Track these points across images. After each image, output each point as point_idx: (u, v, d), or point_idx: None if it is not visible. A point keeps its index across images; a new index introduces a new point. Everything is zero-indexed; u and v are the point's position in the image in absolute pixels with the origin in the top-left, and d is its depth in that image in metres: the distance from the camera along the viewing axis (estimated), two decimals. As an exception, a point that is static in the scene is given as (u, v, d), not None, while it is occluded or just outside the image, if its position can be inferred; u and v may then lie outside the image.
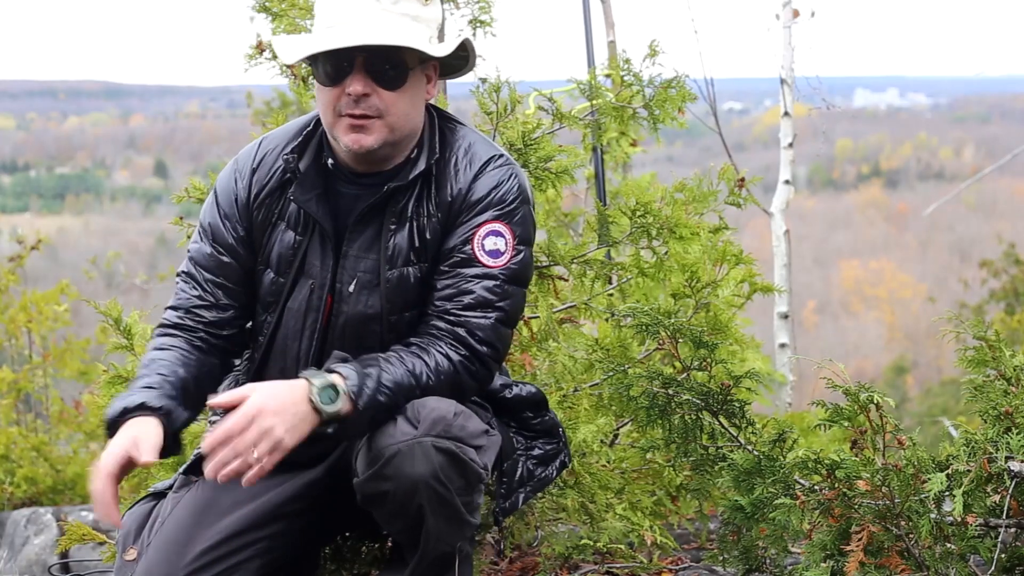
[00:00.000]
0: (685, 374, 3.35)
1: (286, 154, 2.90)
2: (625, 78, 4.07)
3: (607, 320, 3.90)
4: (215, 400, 2.62)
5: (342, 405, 2.60)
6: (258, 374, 2.93)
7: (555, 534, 3.85)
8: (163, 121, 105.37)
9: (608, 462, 3.80)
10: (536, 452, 3.10)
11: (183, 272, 2.98)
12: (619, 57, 4.15)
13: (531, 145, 3.73)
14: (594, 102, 4.09)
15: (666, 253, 3.82)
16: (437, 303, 2.82)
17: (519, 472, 3.05)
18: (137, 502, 3.00)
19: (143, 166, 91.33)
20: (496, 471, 2.99)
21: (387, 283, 2.83)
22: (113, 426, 2.66)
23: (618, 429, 4.02)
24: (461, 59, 2.96)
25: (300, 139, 2.93)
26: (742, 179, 4.02)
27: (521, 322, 3.82)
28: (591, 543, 3.73)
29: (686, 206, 3.81)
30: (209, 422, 3.11)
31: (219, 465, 2.52)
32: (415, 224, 2.84)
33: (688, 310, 3.77)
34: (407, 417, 2.67)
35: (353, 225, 2.85)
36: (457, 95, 4.59)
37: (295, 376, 2.67)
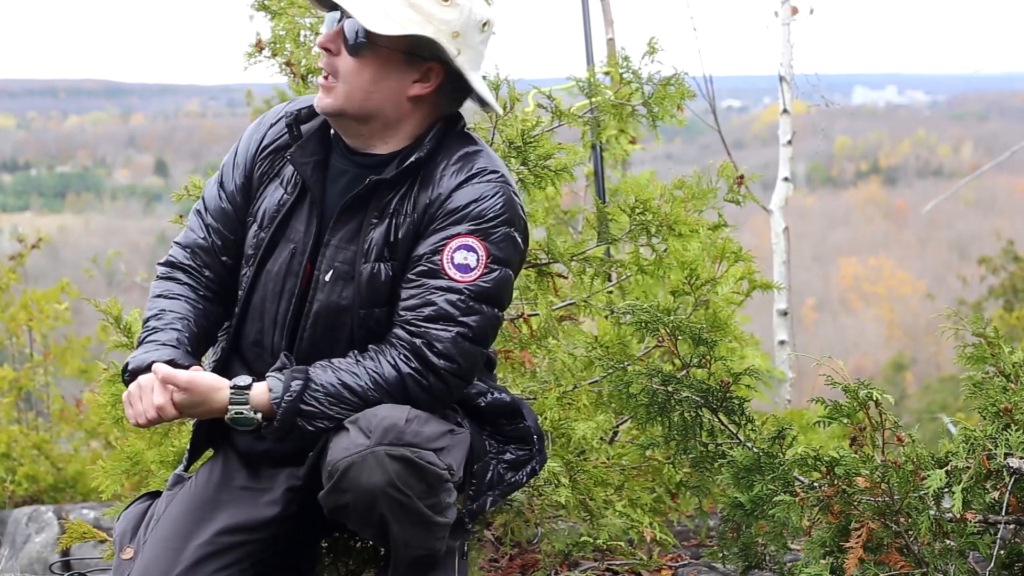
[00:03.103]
0: (684, 371, 3.36)
1: (288, 112, 2.95)
2: (624, 75, 4.07)
3: (607, 317, 3.91)
4: (165, 370, 2.71)
5: (253, 426, 2.72)
6: (236, 335, 2.97)
7: (555, 531, 3.86)
8: (163, 120, 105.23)
9: (607, 459, 3.81)
10: (507, 457, 3.04)
11: (196, 209, 3.05)
12: (618, 54, 4.15)
13: (530, 143, 3.74)
14: (593, 100, 4.10)
15: (665, 250, 3.83)
16: (401, 312, 2.79)
17: (489, 475, 3.00)
18: (132, 502, 3.02)
19: (143, 165, 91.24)
20: (467, 471, 2.95)
21: (360, 276, 2.83)
22: (134, 374, 2.77)
23: (618, 426, 4.02)
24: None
25: (311, 104, 2.95)
26: (741, 176, 4.02)
27: (521, 320, 3.83)
28: (591, 540, 3.74)
29: (685, 203, 3.81)
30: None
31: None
32: (394, 221, 2.83)
33: (687, 307, 3.78)
34: (360, 427, 2.67)
35: (338, 215, 2.86)
36: (456, 93, 4.59)
37: (272, 340, 2.88)
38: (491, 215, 2.79)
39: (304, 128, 2.93)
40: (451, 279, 2.76)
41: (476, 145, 2.91)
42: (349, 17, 2.78)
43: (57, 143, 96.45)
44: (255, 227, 2.94)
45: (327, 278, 2.86)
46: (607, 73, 4.36)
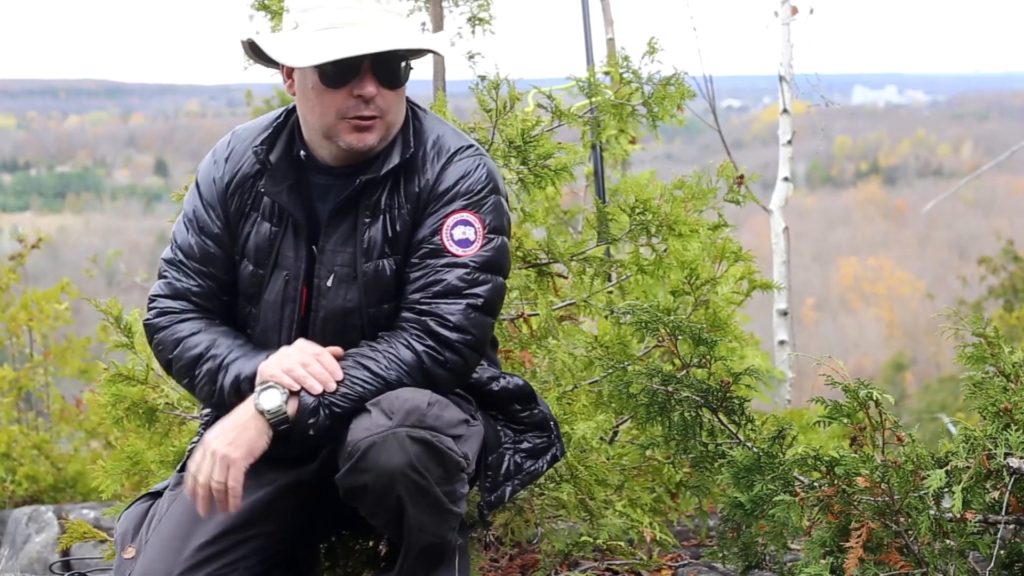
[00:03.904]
0: (684, 371, 3.36)
1: (255, 146, 2.94)
2: (624, 75, 4.07)
3: (607, 317, 3.91)
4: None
5: (290, 409, 2.70)
6: None
7: (555, 531, 3.86)
8: (163, 120, 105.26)
9: (607, 459, 3.81)
10: (525, 446, 3.08)
11: (175, 261, 2.99)
12: (618, 54, 4.15)
13: (530, 143, 3.74)
14: (593, 99, 4.10)
15: (665, 250, 3.83)
16: (409, 295, 2.83)
17: (506, 465, 3.04)
18: (133, 502, 3.01)
19: (143, 165, 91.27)
20: (481, 463, 2.98)
21: (364, 276, 2.85)
22: (240, 391, 2.79)
23: (618, 426, 4.02)
24: None
25: (270, 131, 2.95)
26: (741, 176, 4.02)
27: (521, 320, 3.83)
28: (591, 540, 3.74)
29: (685, 203, 3.81)
30: (201, 426, 3.10)
31: (196, 501, 2.74)
32: (388, 216, 2.86)
33: (687, 307, 3.78)
34: (382, 409, 2.68)
35: (328, 220, 2.88)
36: (457, 93, 4.59)
37: None
38: (479, 187, 2.86)
39: (271, 157, 2.93)
40: (454, 255, 2.82)
41: (433, 117, 2.98)
42: (367, 60, 2.78)
43: (57, 143, 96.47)
44: (250, 266, 2.95)
45: (329, 283, 2.87)
46: (607, 73, 4.36)
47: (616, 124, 4.30)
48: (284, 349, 2.78)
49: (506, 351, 3.83)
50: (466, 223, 2.83)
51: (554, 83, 4.15)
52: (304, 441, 2.76)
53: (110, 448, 6.99)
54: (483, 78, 3.75)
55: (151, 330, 2.99)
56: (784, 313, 7.26)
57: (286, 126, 2.96)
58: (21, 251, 8.44)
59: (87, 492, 6.75)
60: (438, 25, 4.94)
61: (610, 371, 3.71)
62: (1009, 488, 2.84)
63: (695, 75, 7.40)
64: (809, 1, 7.44)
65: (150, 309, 3.01)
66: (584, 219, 4.35)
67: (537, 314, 3.81)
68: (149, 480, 3.71)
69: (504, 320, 3.84)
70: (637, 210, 3.80)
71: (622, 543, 3.79)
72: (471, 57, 5.45)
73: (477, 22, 5.06)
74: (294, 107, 2.96)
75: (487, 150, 3.77)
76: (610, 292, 4.03)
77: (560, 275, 3.92)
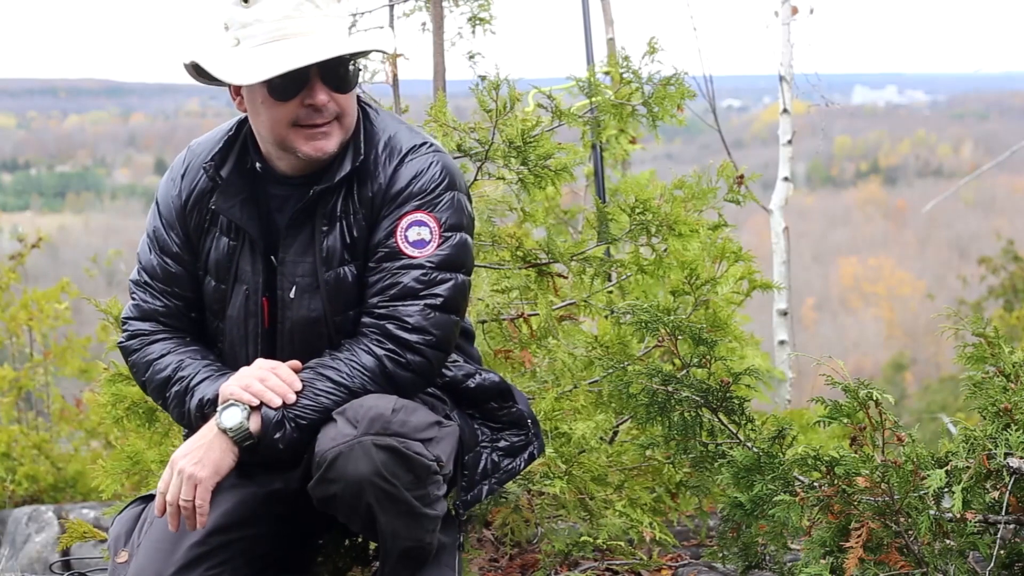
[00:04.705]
0: (684, 371, 3.36)
1: (205, 163, 2.93)
2: (624, 75, 4.08)
3: (607, 317, 3.91)
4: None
5: (253, 425, 2.70)
6: None
7: (555, 531, 3.86)
8: (163, 119, 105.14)
9: (607, 458, 3.81)
10: (502, 444, 3.08)
11: (141, 282, 3.01)
12: (618, 54, 4.16)
13: (530, 143, 3.74)
14: (593, 99, 4.10)
15: (665, 250, 3.83)
16: (368, 300, 2.82)
17: (483, 464, 3.04)
18: (126, 506, 3.02)
19: (143, 164, 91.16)
20: (457, 463, 2.97)
21: (326, 284, 2.84)
22: (205, 414, 2.79)
23: (618, 426, 4.02)
24: None
25: (221, 146, 2.94)
26: (741, 176, 4.03)
27: (521, 320, 3.83)
28: (591, 540, 3.74)
29: (685, 203, 3.82)
30: (183, 436, 3.11)
31: (166, 518, 2.76)
32: (345, 223, 2.84)
33: (687, 307, 3.78)
34: (347, 418, 2.68)
35: (286, 231, 2.87)
36: (457, 93, 4.59)
37: None
38: (432, 186, 2.83)
39: (222, 172, 2.92)
40: (409, 257, 2.80)
41: (384, 117, 2.95)
42: (315, 68, 2.76)
43: (57, 143, 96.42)
44: (213, 281, 2.95)
45: (291, 295, 2.87)
46: (607, 73, 4.37)
47: (616, 124, 4.31)
48: (243, 369, 2.78)
49: (506, 351, 3.83)
50: (421, 223, 2.81)
51: (554, 83, 4.15)
52: (276, 455, 2.75)
53: (110, 448, 6.99)
54: (483, 78, 3.75)
55: (124, 353, 3.02)
56: (784, 313, 7.26)
57: (238, 139, 2.95)
58: (21, 251, 8.44)
59: (87, 492, 6.75)
60: (438, 25, 4.94)
61: (610, 371, 3.71)
62: (1009, 488, 2.84)
63: (695, 75, 7.41)
64: (809, 1, 7.45)
65: (123, 331, 3.03)
66: (584, 219, 4.36)
67: (537, 314, 3.81)
68: (149, 480, 3.71)
69: (504, 320, 3.84)
70: (637, 210, 3.80)
71: (622, 543, 3.79)
72: (471, 57, 5.45)
73: (477, 22, 5.06)
74: (246, 118, 2.93)
75: (487, 150, 3.78)
76: (610, 292, 4.03)
77: (560, 275, 3.92)
